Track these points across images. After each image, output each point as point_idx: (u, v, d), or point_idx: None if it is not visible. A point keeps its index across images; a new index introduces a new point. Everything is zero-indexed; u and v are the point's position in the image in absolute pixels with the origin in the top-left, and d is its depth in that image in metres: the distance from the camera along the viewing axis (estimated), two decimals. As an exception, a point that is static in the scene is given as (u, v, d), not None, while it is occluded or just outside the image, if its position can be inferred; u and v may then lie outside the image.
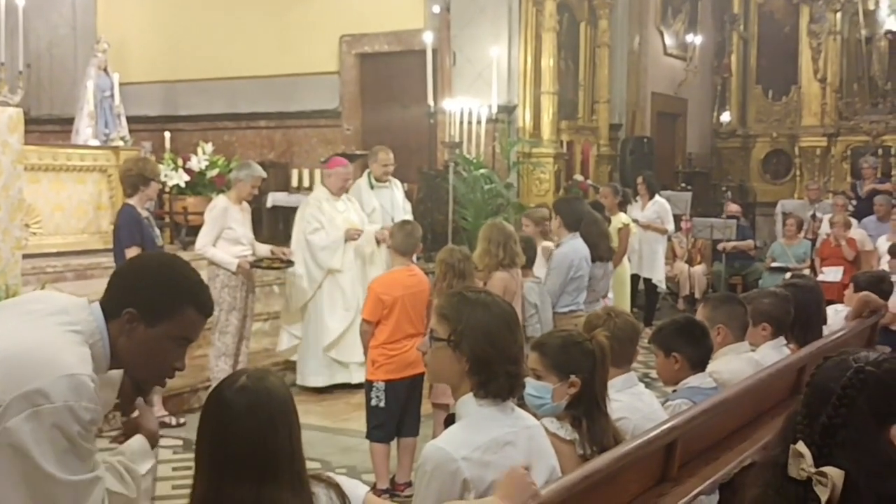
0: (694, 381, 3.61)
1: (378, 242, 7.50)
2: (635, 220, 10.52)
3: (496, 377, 2.45)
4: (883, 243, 10.18)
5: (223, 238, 6.86)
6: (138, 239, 6.32)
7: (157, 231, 6.61)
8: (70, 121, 10.91)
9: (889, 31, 14.94)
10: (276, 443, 2.07)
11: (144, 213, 6.47)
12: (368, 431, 5.19)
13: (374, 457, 5.18)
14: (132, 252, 6.27)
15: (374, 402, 5.12)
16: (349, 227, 7.39)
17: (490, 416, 2.46)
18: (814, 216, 12.18)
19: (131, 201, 6.42)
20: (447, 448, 2.38)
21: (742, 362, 3.96)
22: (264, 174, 7.11)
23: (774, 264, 10.98)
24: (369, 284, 5.44)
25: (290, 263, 7.25)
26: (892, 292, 5.36)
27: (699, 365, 3.66)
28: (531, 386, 2.84)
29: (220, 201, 7.07)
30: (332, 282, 7.41)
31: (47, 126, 13.06)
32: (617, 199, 9.99)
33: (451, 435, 2.44)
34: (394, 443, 5.30)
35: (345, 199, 7.56)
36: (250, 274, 7.02)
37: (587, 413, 2.83)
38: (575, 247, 6.32)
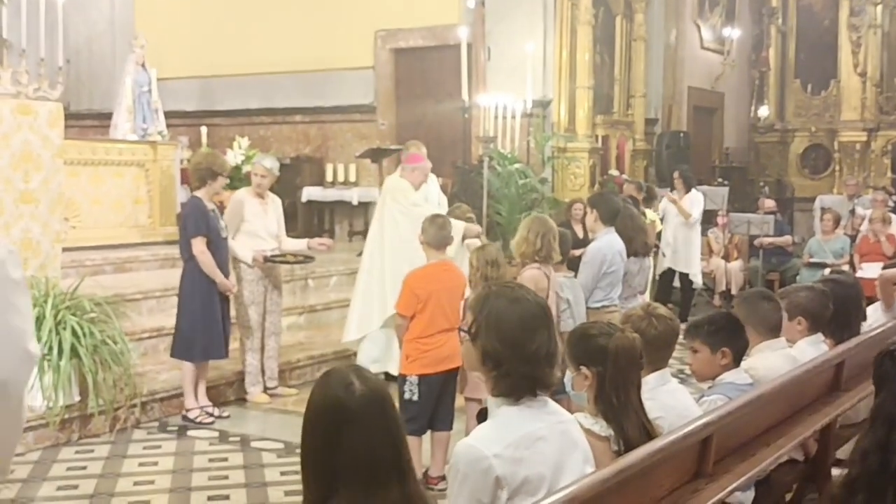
0: (729, 376, 3.59)
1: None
2: (672, 199, 10.44)
3: (507, 375, 2.42)
4: (924, 240, 10.04)
5: (242, 231, 6.86)
6: (204, 229, 6.40)
7: (223, 223, 6.66)
8: (108, 116, 11.04)
9: (931, 25, 14.72)
10: (403, 443, 2.10)
11: (210, 206, 6.55)
12: (401, 425, 5.19)
13: (407, 450, 5.19)
14: (198, 242, 6.37)
15: (407, 396, 5.13)
16: None
17: (521, 412, 2.45)
18: (853, 212, 12.02)
19: (198, 193, 6.52)
20: (478, 445, 2.37)
21: (778, 358, 3.92)
22: (267, 164, 6.99)
23: (812, 260, 10.86)
24: (404, 278, 5.44)
25: (309, 259, 7.24)
26: None
27: (739, 360, 3.65)
28: (567, 373, 2.91)
29: (237, 194, 7.11)
30: None
31: (86, 121, 13.22)
32: (641, 196, 9.92)
33: (483, 432, 2.44)
34: (426, 437, 5.31)
35: (420, 194, 7.38)
36: (270, 268, 6.99)
37: (607, 408, 2.83)
38: (609, 241, 6.28)
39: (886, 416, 2.16)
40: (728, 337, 3.63)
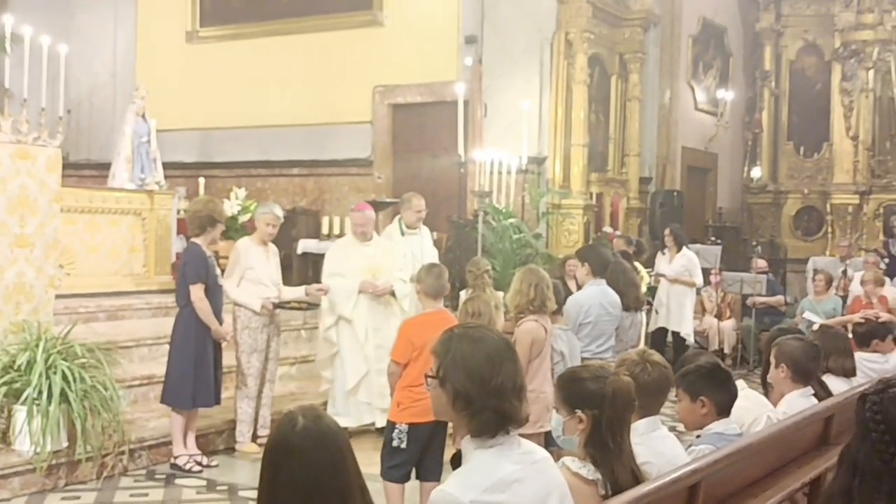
0: (718, 426, 3.60)
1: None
2: (662, 275, 10.52)
3: (480, 412, 2.41)
4: (916, 301, 10.07)
5: (246, 279, 6.90)
6: (203, 276, 6.44)
7: (219, 271, 6.70)
8: (107, 166, 11.13)
9: (922, 90, 14.94)
10: (348, 474, 2.18)
11: (208, 253, 6.60)
12: (384, 470, 5.17)
13: (389, 496, 5.17)
14: (197, 289, 6.38)
15: (395, 443, 5.11)
16: (369, 275, 7.33)
17: (495, 455, 2.42)
18: (844, 272, 12.07)
19: (197, 240, 6.56)
20: (454, 493, 2.35)
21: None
22: (278, 212, 7.10)
23: (805, 316, 10.88)
24: (400, 326, 5.46)
25: (315, 306, 7.28)
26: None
27: (724, 411, 3.65)
28: (554, 418, 2.88)
29: (241, 242, 7.17)
30: (350, 328, 7.40)
31: (85, 171, 13.34)
32: (631, 249, 9.99)
33: (458, 479, 2.41)
34: (412, 486, 5.28)
35: (375, 244, 7.53)
36: (275, 316, 7.05)
37: (599, 451, 2.82)
38: (590, 293, 6.30)
39: (851, 460, 2.17)
40: (706, 387, 3.64)
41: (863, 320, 6.51)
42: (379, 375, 7.19)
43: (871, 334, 6.00)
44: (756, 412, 4.19)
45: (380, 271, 7.38)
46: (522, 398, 2.48)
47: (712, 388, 3.64)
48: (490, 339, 2.51)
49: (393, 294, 7.40)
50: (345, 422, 7.20)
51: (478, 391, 2.41)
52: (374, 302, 7.34)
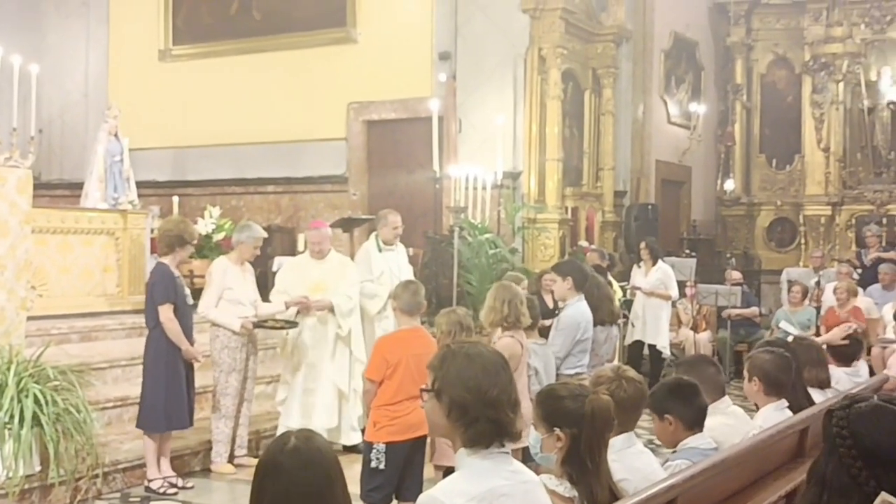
0: (693, 441, 3.60)
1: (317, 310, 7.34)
2: (638, 288, 10.56)
3: (475, 422, 2.44)
4: (888, 311, 10.15)
5: (224, 299, 6.88)
6: (172, 296, 6.39)
7: (188, 290, 6.66)
8: (80, 186, 11.02)
9: (891, 102, 15.10)
10: (334, 498, 2.20)
11: (177, 273, 6.55)
12: (364, 493, 5.12)
13: (370, 520, 5.13)
14: (166, 309, 6.33)
15: (373, 464, 5.06)
16: (313, 293, 7.27)
17: (486, 468, 2.45)
18: (818, 283, 12.17)
19: (165, 260, 6.51)
20: (441, 498, 2.37)
21: (720, 419, 3.98)
22: (265, 234, 7.13)
23: (781, 326, 10.95)
24: (375, 343, 5.44)
25: (294, 324, 7.24)
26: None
27: (695, 425, 3.65)
28: (532, 435, 2.90)
29: (218, 263, 7.12)
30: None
31: (57, 191, 13.23)
32: (604, 263, 10.03)
33: (447, 484, 2.45)
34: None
35: (330, 261, 7.47)
36: (253, 335, 7.01)
37: (577, 469, 2.81)
38: (581, 309, 6.32)
39: (819, 476, 2.17)
40: (671, 404, 3.66)
41: (848, 341, 6.56)
42: (307, 395, 7.21)
43: (857, 352, 6.08)
44: (743, 431, 4.21)
45: (325, 289, 7.31)
46: (517, 412, 2.52)
47: (676, 404, 3.66)
48: (486, 353, 2.57)
49: (332, 311, 7.30)
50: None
51: (474, 401, 2.45)
52: (311, 320, 7.30)
